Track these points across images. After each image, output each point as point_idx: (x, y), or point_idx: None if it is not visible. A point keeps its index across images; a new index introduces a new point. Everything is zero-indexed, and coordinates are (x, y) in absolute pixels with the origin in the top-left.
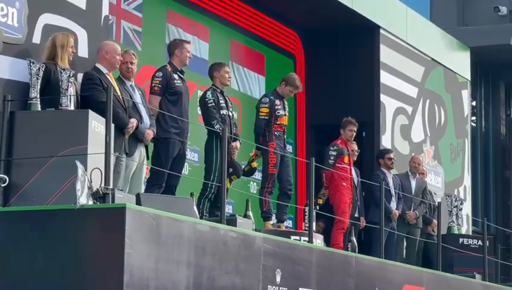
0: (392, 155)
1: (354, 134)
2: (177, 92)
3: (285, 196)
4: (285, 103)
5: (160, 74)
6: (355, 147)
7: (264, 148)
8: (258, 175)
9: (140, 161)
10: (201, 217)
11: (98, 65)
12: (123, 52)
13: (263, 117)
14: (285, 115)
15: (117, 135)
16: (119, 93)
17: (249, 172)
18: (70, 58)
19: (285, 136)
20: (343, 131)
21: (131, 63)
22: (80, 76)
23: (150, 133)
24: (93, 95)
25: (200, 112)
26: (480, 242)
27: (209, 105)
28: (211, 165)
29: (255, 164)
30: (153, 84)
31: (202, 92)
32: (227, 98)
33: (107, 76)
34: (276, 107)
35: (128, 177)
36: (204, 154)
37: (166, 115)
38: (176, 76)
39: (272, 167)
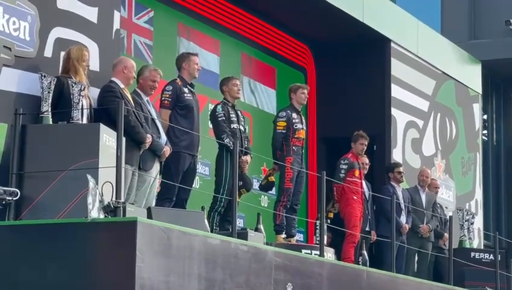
0: (401, 169)
1: (365, 148)
2: (187, 105)
3: (292, 210)
4: (302, 117)
5: (170, 87)
6: (366, 160)
7: (281, 164)
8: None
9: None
10: (211, 231)
11: (114, 79)
12: (152, 68)
13: (280, 131)
14: (302, 128)
15: (133, 150)
16: (135, 109)
17: (267, 186)
18: (85, 71)
19: (302, 151)
20: (354, 145)
21: (157, 82)
22: (92, 89)
23: (167, 150)
24: (114, 108)
25: (211, 126)
26: (492, 256)
27: (219, 119)
28: (221, 179)
29: (272, 178)
30: (163, 98)
31: (213, 106)
32: (238, 112)
33: (124, 90)
34: (294, 120)
35: (145, 192)
36: (215, 168)
37: (177, 129)
38: (185, 89)
39: (288, 181)
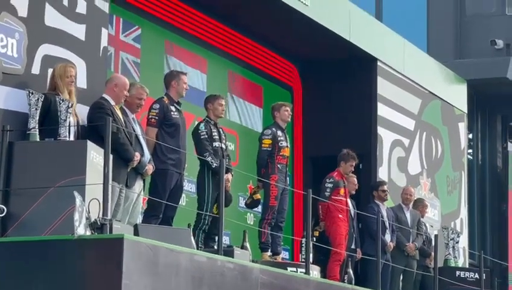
0: (385, 187)
1: (353, 169)
2: (174, 124)
3: (277, 227)
4: (287, 135)
5: (158, 105)
6: (355, 180)
7: (265, 181)
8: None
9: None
10: (196, 249)
11: (105, 96)
12: (138, 86)
13: (266, 149)
14: (287, 146)
15: (120, 167)
16: (125, 126)
17: (252, 204)
18: (70, 88)
19: (287, 169)
20: (344, 164)
21: (144, 100)
22: (80, 106)
23: (150, 168)
24: (103, 125)
25: None
26: (477, 275)
27: (202, 137)
28: (203, 197)
29: (258, 196)
30: (150, 116)
31: (196, 124)
32: (220, 129)
33: (115, 108)
34: (279, 138)
35: (128, 209)
36: (197, 187)
37: (163, 147)
38: (173, 108)
39: (273, 199)
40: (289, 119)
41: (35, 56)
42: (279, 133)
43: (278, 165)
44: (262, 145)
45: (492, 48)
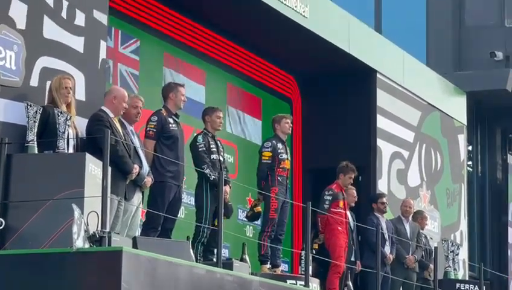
0: (384, 199)
1: (352, 181)
2: (172, 136)
3: (277, 240)
4: (287, 147)
5: (156, 118)
6: (354, 193)
7: (265, 194)
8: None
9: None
10: (195, 261)
11: (104, 108)
12: (132, 96)
13: (266, 161)
14: (287, 158)
15: (119, 180)
16: (124, 138)
17: (253, 217)
18: (67, 100)
19: (287, 181)
20: (343, 176)
21: (140, 108)
22: (79, 119)
23: (149, 181)
24: (102, 137)
25: None
26: (477, 288)
27: (200, 149)
28: (201, 209)
29: (259, 209)
30: (148, 129)
31: (193, 136)
32: (218, 142)
33: (113, 120)
34: (279, 150)
35: (127, 222)
36: (195, 199)
37: (162, 159)
38: (171, 120)
39: (272, 212)
40: (289, 132)
41: (33, 68)
42: (279, 145)
43: (278, 178)
44: (263, 157)
45: (491, 60)
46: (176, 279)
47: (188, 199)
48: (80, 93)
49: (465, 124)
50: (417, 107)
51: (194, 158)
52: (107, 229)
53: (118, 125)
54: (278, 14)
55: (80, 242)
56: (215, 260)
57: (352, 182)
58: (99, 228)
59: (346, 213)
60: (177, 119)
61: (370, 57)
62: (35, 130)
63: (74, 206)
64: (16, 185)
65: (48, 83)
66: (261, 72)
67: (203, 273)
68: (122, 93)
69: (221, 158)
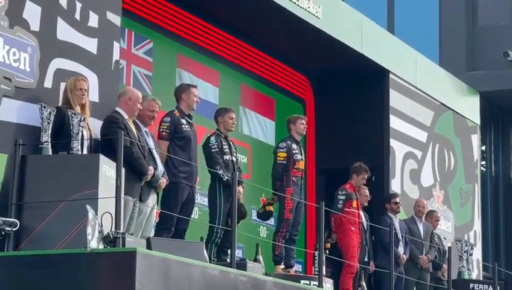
0: (398, 199)
1: (365, 181)
2: (185, 136)
3: (291, 240)
4: (301, 147)
5: (168, 119)
6: (367, 192)
7: (280, 195)
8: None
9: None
10: (209, 262)
11: (118, 109)
12: (150, 99)
13: (281, 162)
14: (302, 159)
15: (134, 181)
16: (138, 140)
17: (264, 215)
18: (82, 101)
19: (302, 182)
20: (356, 177)
21: (156, 112)
22: (92, 120)
23: (164, 182)
24: (116, 138)
25: None
26: (491, 288)
27: (213, 150)
28: (215, 210)
29: (270, 208)
30: (161, 130)
31: (206, 137)
32: (231, 143)
33: (128, 121)
34: (294, 151)
35: (142, 223)
36: (208, 200)
37: (175, 160)
38: (183, 121)
39: (287, 212)
40: (304, 132)
41: (47, 70)
42: (294, 146)
43: (293, 178)
44: (277, 158)
45: (504, 60)
46: (189, 279)
47: (201, 200)
48: (93, 95)
49: (479, 124)
50: (430, 107)
51: (207, 159)
52: (121, 230)
53: (132, 126)
54: (291, 15)
55: (94, 243)
56: (228, 260)
57: (365, 182)
58: (113, 229)
59: (359, 213)
60: (190, 120)
61: (383, 58)
62: (49, 131)
63: (88, 207)
64: (31, 186)
65: (62, 84)
66: (274, 72)
67: (217, 273)
68: (136, 94)
69: (234, 159)
